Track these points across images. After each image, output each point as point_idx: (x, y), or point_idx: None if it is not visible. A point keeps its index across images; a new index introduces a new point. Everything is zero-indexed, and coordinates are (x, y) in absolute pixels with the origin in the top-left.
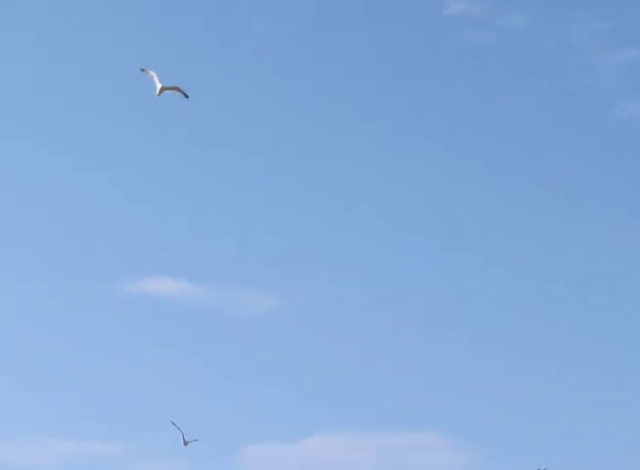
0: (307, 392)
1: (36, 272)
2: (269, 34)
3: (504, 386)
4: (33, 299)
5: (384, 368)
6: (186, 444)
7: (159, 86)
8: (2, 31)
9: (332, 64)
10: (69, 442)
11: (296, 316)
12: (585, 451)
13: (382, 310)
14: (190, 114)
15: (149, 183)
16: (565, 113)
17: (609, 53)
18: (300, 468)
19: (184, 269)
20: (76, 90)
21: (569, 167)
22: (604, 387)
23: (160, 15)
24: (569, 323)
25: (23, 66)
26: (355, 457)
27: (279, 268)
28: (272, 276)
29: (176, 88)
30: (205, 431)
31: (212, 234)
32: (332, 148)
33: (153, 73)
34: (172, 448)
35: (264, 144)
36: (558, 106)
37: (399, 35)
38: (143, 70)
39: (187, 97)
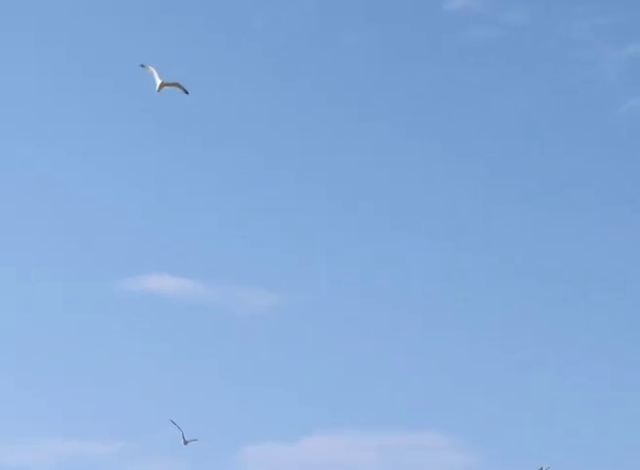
0: (307, 392)
1: (36, 271)
2: (269, 34)
3: (504, 386)
4: (33, 297)
5: (384, 368)
6: (186, 443)
7: (158, 82)
8: (2, 31)
9: (332, 63)
10: (69, 442)
11: (296, 314)
12: (585, 451)
13: (382, 310)
14: (190, 113)
15: (149, 181)
16: (566, 108)
17: (610, 48)
18: (300, 468)
19: (184, 267)
20: (76, 90)
21: (569, 166)
22: (604, 387)
23: (160, 14)
24: (569, 323)
25: (24, 66)
26: (355, 457)
27: (279, 267)
28: (272, 274)
29: (176, 84)
30: (205, 431)
31: (213, 232)
32: (332, 147)
33: (152, 69)
34: (172, 448)
35: (264, 143)
36: (559, 102)
37: (400, 32)
38: (142, 65)
39: (187, 93)
